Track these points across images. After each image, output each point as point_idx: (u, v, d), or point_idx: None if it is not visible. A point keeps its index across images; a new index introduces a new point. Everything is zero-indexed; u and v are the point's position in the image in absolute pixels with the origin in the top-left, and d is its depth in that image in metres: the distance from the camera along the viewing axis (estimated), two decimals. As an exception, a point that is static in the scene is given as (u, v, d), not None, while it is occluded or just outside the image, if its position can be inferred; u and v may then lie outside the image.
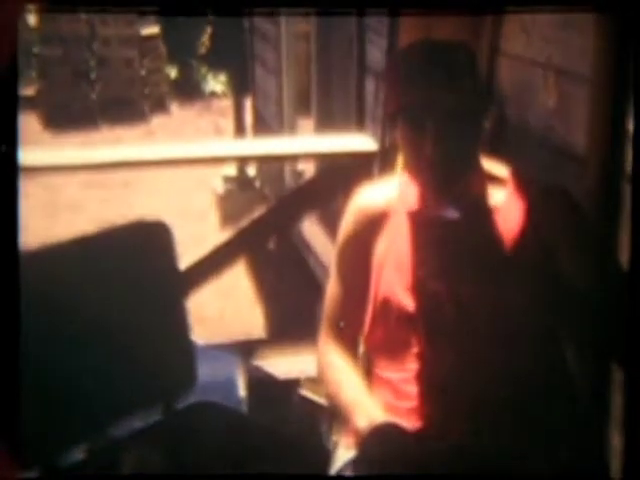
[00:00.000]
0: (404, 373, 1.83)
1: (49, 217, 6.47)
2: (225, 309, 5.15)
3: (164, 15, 9.46)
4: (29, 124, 8.80)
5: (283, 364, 3.20)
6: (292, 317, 4.46)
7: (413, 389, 1.81)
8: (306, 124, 6.15)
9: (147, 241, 2.35)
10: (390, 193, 1.93)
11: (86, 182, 7.22)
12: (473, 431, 1.75)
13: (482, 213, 1.84)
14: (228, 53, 7.46)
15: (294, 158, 5.17)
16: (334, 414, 1.99)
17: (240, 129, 7.49)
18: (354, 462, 1.83)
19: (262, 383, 3.11)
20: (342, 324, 1.95)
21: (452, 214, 1.84)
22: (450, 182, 1.81)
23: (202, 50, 10.12)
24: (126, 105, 9.87)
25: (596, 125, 2.13)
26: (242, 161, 6.34)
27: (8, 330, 1.58)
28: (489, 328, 1.78)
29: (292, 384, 3.01)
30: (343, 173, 3.52)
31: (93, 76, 9.97)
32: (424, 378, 1.80)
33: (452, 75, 1.76)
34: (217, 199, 6.91)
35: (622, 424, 1.74)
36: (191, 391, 2.36)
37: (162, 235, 2.35)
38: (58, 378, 2.08)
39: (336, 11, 4.01)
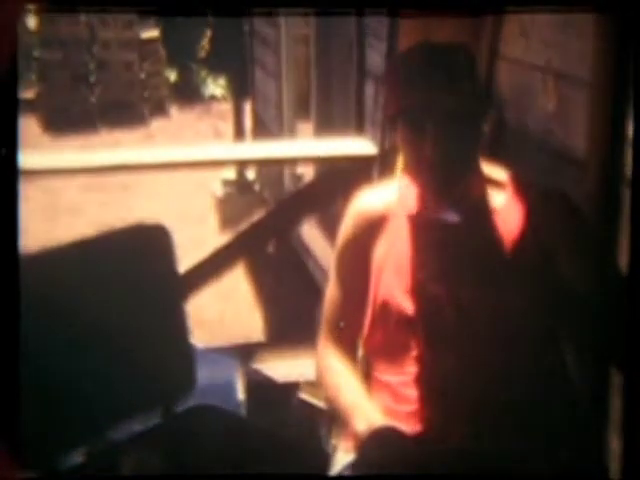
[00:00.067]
0: (403, 376, 1.83)
1: (49, 220, 6.47)
2: (224, 312, 5.15)
3: (163, 15, 9.45)
4: (28, 127, 8.80)
5: (282, 367, 3.20)
6: (291, 320, 4.46)
7: (412, 392, 1.81)
8: (306, 128, 6.15)
9: (146, 244, 2.35)
10: (389, 197, 1.93)
11: (85, 185, 7.23)
12: (473, 434, 1.75)
13: (482, 216, 1.84)
14: (228, 56, 7.47)
15: (293, 162, 5.18)
16: (333, 418, 1.99)
17: (240, 133, 7.49)
18: (353, 466, 1.83)
19: (261, 386, 3.11)
20: (342, 324, 1.95)
21: (452, 217, 1.84)
22: (450, 184, 1.81)
23: (202, 53, 10.14)
24: (126, 108, 9.87)
25: (595, 129, 2.13)
26: (241, 164, 6.34)
27: (8, 333, 1.58)
28: (489, 331, 1.78)
29: (291, 387, 3.00)
30: (342, 177, 3.53)
31: (93, 79, 9.98)
32: (423, 381, 1.80)
33: (452, 77, 1.76)
34: (216, 202, 6.91)
35: (621, 428, 1.73)
36: (190, 394, 2.36)
37: (161, 238, 2.35)
38: (57, 381, 2.08)
39: (335, 11, 4.00)
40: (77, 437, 2.18)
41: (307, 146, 4.76)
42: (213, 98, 10.70)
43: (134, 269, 2.29)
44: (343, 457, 1.88)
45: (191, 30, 10.36)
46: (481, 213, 1.84)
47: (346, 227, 1.96)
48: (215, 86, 10.75)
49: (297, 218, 4.06)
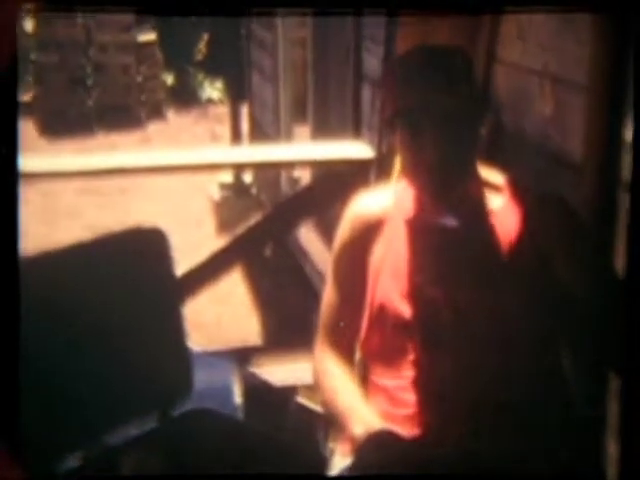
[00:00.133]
0: (400, 380, 1.83)
1: (48, 224, 6.46)
2: (222, 316, 5.15)
3: (160, 15, 9.45)
4: (25, 130, 8.78)
5: (279, 371, 3.20)
6: (288, 324, 4.47)
7: (410, 396, 1.81)
8: (303, 131, 6.15)
9: (144, 247, 2.35)
10: (386, 200, 1.93)
11: (82, 189, 7.22)
12: (470, 437, 1.75)
13: (479, 220, 1.84)
14: (225, 60, 7.48)
15: (290, 165, 5.18)
16: (330, 421, 1.98)
17: (236, 136, 7.49)
18: (350, 469, 1.82)
19: (258, 390, 3.11)
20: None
21: (449, 221, 1.84)
22: (448, 187, 1.81)
23: (199, 57, 10.15)
24: (122, 112, 9.87)
25: (592, 133, 2.13)
26: (238, 168, 6.34)
27: (8, 335, 1.58)
28: (486, 334, 1.78)
29: (288, 391, 3.00)
30: (339, 180, 3.53)
31: (89, 82, 9.97)
32: (421, 385, 1.80)
33: (450, 79, 1.76)
34: (213, 206, 6.91)
35: (619, 432, 1.74)
36: (187, 398, 2.36)
37: (158, 241, 2.35)
38: (54, 385, 2.08)
39: (333, 11, 4.01)
40: (74, 441, 2.17)
41: (304, 149, 4.77)
42: (210, 101, 10.70)
43: (131, 272, 2.29)
44: (340, 461, 1.88)
45: (188, 33, 10.37)
46: (478, 216, 1.84)
47: (343, 230, 1.96)
48: (212, 89, 10.75)
49: (294, 221, 4.06)
